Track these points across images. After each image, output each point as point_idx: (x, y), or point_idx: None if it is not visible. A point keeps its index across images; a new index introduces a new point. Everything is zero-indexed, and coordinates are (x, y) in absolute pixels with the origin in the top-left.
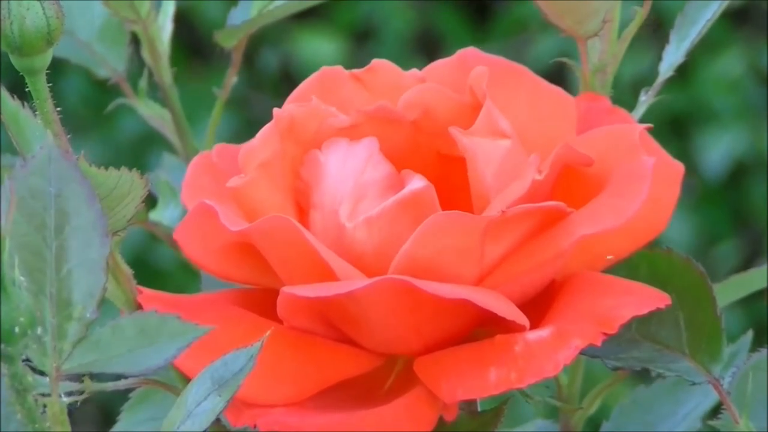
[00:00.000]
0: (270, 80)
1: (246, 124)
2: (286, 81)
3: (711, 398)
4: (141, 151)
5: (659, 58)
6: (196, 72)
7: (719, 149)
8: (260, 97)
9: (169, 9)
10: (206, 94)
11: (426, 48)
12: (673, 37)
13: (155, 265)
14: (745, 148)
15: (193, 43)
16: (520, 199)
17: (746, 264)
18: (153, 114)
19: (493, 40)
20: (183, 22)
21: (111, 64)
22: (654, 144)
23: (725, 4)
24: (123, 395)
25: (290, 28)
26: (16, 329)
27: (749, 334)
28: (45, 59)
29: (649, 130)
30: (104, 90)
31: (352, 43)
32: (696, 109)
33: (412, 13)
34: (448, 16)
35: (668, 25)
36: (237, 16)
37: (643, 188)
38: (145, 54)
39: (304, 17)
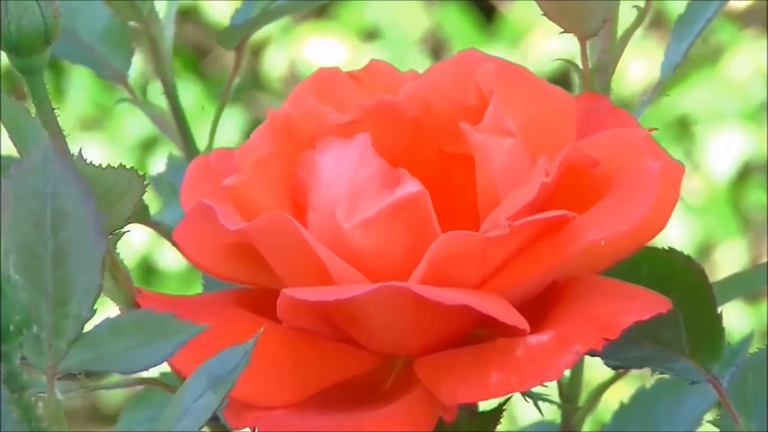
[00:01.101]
0: (276, 80)
1: (253, 124)
2: (293, 81)
3: (711, 398)
4: (146, 151)
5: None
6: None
7: (725, 150)
8: (267, 97)
9: (171, 9)
10: (206, 93)
11: (432, 49)
12: (672, 37)
13: (159, 266)
14: (751, 150)
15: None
16: (530, 201)
17: (751, 264)
18: (156, 114)
19: (500, 41)
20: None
21: (114, 65)
22: (655, 145)
23: (725, 4)
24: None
25: (296, 27)
26: (12, 328)
27: (751, 334)
28: (43, 59)
29: (652, 132)
30: (111, 89)
31: (358, 44)
32: (702, 109)
33: (418, 14)
34: (455, 17)
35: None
36: (240, 16)
37: (650, 193)
38: (148, 54)
39: (310, 17)
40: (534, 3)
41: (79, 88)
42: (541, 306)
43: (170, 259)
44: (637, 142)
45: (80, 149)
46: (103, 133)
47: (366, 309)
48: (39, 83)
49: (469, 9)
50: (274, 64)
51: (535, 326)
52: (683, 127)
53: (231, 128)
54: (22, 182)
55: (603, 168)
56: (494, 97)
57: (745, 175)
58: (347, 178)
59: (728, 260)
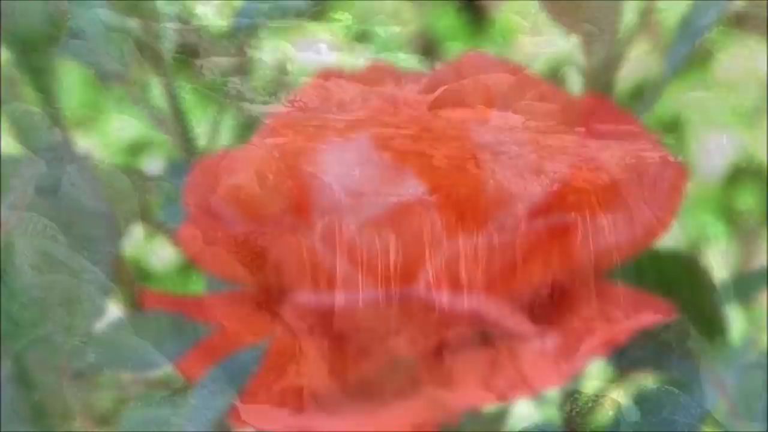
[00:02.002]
0: (266, 79)
1: (242, 123)
2: (282, 80)
3: (712, 399)
4: (134, 155)
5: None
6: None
7: (715, 152)
8: (257, 96)
9: (172, 8)
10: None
11: (423, 49)
12: (675, 38)
13: (152, 266)
14: (742, 152)
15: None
16: (536, 204)
17: (741, 266)
18: (156, 114)
19: (490, 42)
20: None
21: (114, 65)
22: (659, 146)
23: (729, 5)
24: None
25: (286, 27)
26: (24, 326)
27: (752, 334)
28: (49, 58)
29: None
30: (98, 91)
31: (349, 44)
32: (692, 110)
33: (409, 15)
34: (446, 18)
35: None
36: (243, 17)
37: (660, 198)
38: (148, 55)
39: (300, 17)
40: (524, 4)
41: (66, 90)
42: (544, 308)
43: (159, 261)
44: (646, 146)
45: (88, 148)
46: (90, 136)
47: (372, 312)
48: (45, 82)
49: (461, 9)
50: (264, 64)
51: (540, 329)
52: (674, 128)
53: (221, 128)
54: (34, 180)
55: (611, 171)
56: (502, 98)
57: (736, 177)
58: (349, 178)
59: (718, 262)
